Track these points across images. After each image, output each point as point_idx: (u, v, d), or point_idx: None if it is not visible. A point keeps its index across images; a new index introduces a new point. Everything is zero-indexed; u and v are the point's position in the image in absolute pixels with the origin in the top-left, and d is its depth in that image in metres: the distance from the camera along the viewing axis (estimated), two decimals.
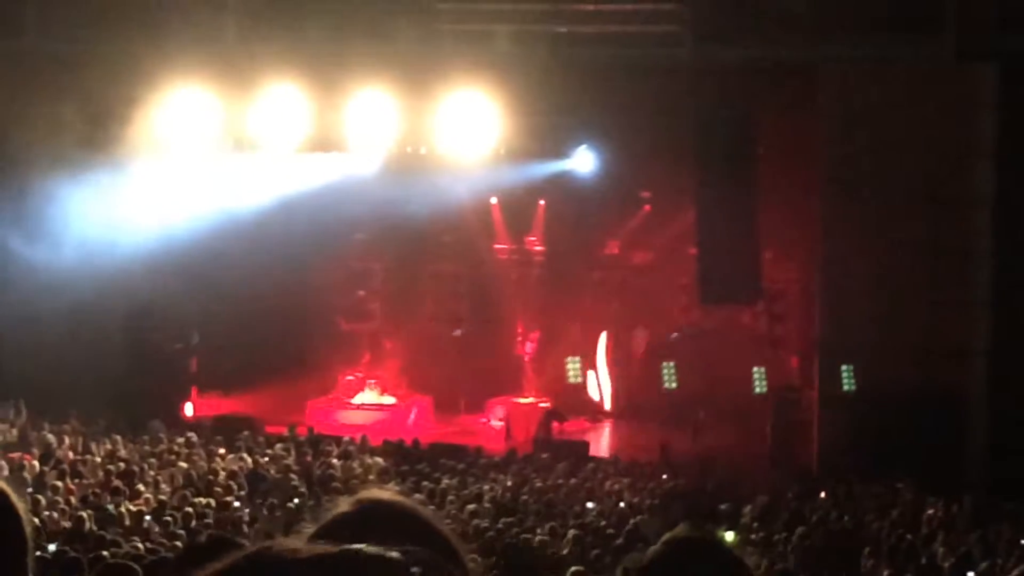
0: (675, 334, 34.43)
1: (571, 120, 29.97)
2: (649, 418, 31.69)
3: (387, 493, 2.77)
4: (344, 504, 2.74)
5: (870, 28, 27.34)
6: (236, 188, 30.54)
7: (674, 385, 33.39)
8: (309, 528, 2.76)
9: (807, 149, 29.07)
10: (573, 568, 14.26)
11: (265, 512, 20.14)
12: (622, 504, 22.72)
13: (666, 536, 3.35)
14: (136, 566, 9.21)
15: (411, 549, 2.31)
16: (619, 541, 18.25)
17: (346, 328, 35.47)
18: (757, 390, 32.05)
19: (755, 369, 32.20)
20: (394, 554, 2.28)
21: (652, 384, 33.51)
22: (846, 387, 28.07)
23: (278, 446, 26.04)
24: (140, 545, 16.30)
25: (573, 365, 33.70)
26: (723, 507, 21.94)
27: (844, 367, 28.02)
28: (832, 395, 28.06)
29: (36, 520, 16.63)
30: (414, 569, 2.27)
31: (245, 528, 18.81)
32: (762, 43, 27.76)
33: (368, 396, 33.38)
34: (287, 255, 31.57)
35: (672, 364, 33.35)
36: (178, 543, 16.63)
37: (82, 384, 28.77)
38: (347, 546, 2.32)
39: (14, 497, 3.38)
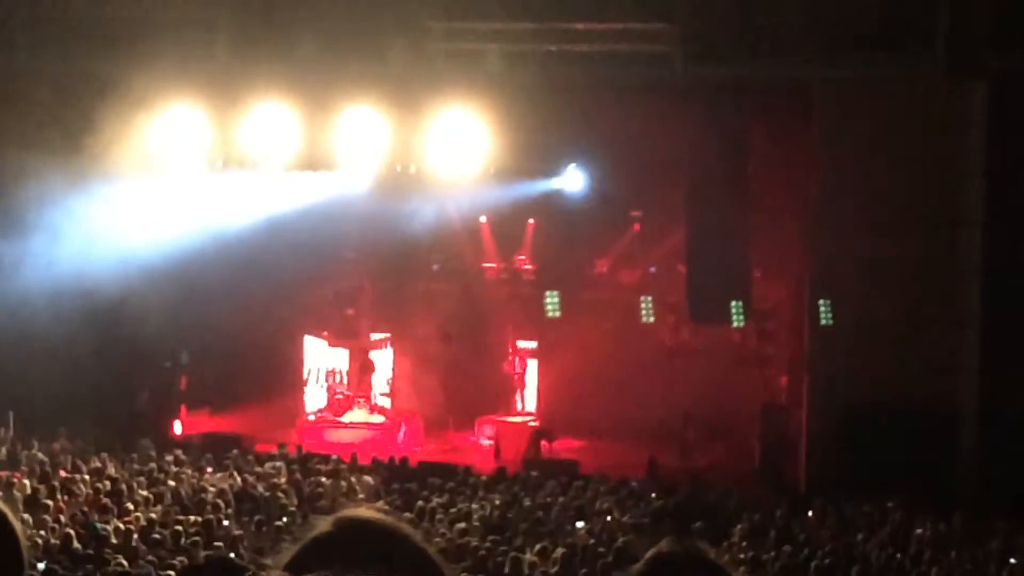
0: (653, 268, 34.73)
1: (561, 139, 29.98)
2: (637, 435, 31.60)
3: (367, 511, 2.74)
4: (323, 523, 2.72)
5: (861, 47, 27.35)
6: (226, 206, 30.50)
7: (652, 319, 33.36)
8: (290, 549, 2.73)
9: (797, 167, 29.10)
10: None
11: (253, 530, 20.10)
12: (609, 519, 22.73)
13: (651, 552, 3.33)
14: None
15: None
16: (608, 559, 18.23)
17: (335, 346, 35.42)
18: None
19: None
20: None
21: (639, 401, 33.45)
22: (824, 321, 28.04)
23: (267, 464, 26.00)
24: (125, 563, 16.29)
25: (552, 299, 33.58)
26: (712, 525, 21.92)
27: (822, 302, 28.03)
28: (820, 411, 28.07)
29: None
30: None
31: (233, 547, 18.76)
32: (752, 62, 27.77)
33: (357, 415, 33.35)
34: (276, 273, 31.56)
35: (650, 297, 33.25)
36: (170, 561, 16.61)
37: (70, 402, 28.69)
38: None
39: (11, 516, 3.37)
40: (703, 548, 3.34)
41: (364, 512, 2.72)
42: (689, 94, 28.57)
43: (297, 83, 29.07)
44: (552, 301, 33.05)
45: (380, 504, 18.85)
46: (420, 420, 33.66)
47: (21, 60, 29.90)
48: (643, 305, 32.99)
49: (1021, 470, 25.29)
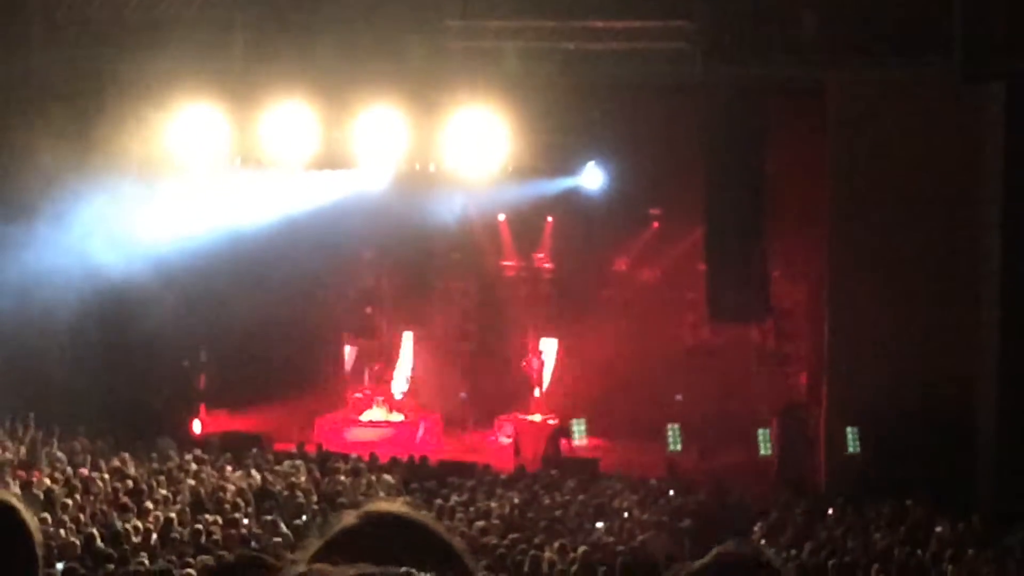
0: (679, 396, 33.56)
1: (580, 137, 29.97)
2: (656, 434, 31.54)
3: (394, 505, 2.75)
4: (349, 517, 2.72)
5: (878, 48, 27.32)
6: (244, 205, 30.55)
7: (679, 447, 32.01)
8: (315, 543, 2.74)
9: (816, 167, 29.05)
10: None
11: (273, 529, 20.11)
12: (627, 515, 22.73)
13: (716, 549, 3.36)
14: None
15: None
16: (627, 558, 18.22)
17: (355, 345, 35.43)
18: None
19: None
20: None
21: (658, 400, 33.39)
22: (851, 449, 27.81)
23: (286, 463, 26.02)
24: (146, 561, 16.32)
25: (579, 427, 32.91)
26: (732, 524, 21.90)
27: (850, 429, 27.76)
28: (840, 412, 28.02)
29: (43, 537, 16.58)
30: None
31: (253, 545, 18.78)
32: (771, 62, 27.76)
33: (376, 413, 33.33)
34: (295, 272, 31.55)
35: (677, 426, 32.02)
36: (189, 560, 16.63)
37: (88, 401, 28.76)
38: (390, 568, 2.30)
39: (26, 514, 3.38)
40: (763, 551, 3.37)
41: (391, 506, 2.73)
42: (707, 92, 28.54)
43: (315, 82, 29.10)
44: (580, 429, 32.36)
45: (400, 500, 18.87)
46: (439, 418, 33.67)
47: (39, 59, 29.97)
48: (670, 433, 31.76)
49: None
